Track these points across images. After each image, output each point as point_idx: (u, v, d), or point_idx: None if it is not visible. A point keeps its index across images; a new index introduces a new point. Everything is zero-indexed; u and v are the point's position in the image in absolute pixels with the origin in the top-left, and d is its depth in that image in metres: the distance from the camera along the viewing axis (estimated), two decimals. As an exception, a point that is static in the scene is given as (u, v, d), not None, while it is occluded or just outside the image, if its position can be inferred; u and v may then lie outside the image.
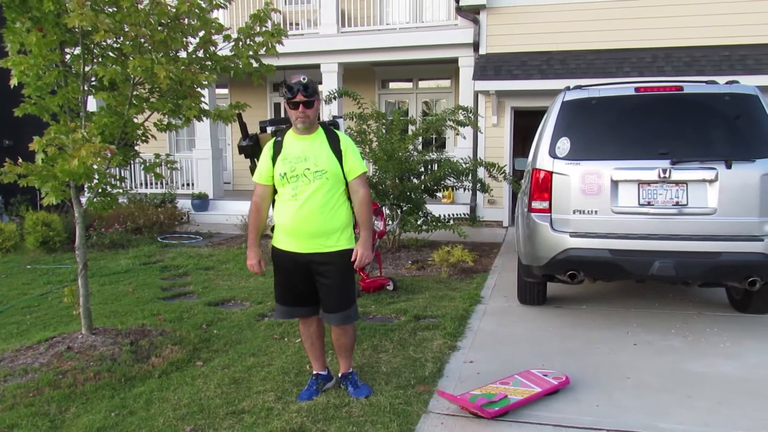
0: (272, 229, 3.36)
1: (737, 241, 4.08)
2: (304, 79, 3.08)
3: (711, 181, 4.12)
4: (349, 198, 3.25)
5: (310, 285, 3.27)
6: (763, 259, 4.04)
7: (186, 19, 4.17)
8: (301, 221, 3.13)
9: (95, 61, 4.20)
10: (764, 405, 3.17)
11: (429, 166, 8.13)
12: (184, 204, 11.40)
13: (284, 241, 3.26)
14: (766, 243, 4.04)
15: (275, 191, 3.26)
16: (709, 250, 4.09)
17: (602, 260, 4.26)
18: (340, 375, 3.49)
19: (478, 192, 9.44)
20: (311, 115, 3.14)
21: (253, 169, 3.83)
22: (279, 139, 3.25)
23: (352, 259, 3.20)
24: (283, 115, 13.65)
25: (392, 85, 13.20)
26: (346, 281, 3.26)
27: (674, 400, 3.25)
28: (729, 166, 4.09)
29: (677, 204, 4.17)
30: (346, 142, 3.23)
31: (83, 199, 4.34)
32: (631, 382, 3.51)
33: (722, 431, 2.89)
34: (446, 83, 12.61)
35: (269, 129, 3.28)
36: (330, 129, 3.29)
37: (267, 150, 3.27)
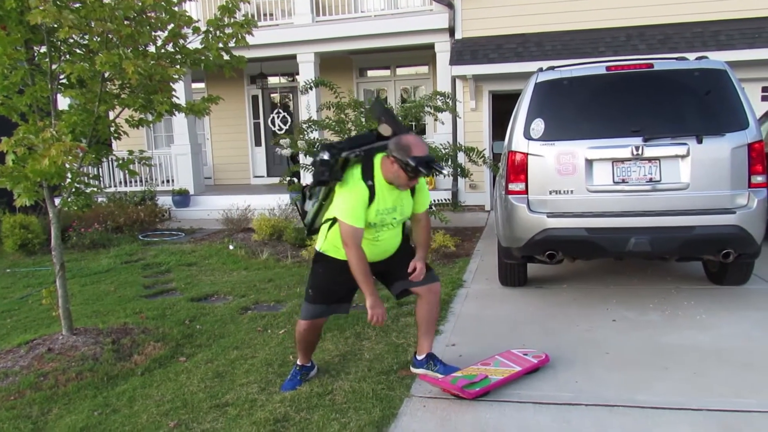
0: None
1: (710, 214, 4.14)
2: (441, 167, 3.07)
3: (683, 157, 4.17)
4: None
5: (355, 286, 3.22)
6: (735, 231, 4.11)
7: (153, 13, 4.12)
8: (379, 256, 3.22)
9: (62, 58, 4.14)
10: (737, 373, 3.24)
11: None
12: (164, 201, 11.30)
13: None
14: (738, 215, 4.11)
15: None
16: (683, 224, 4.15)
17: (579, 239, 4.31)
18: (422, 357, 3.40)
19: (459, 177, 9.46)
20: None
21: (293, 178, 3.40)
22: (371, 183, 3.02)
23: (410, 270, 3.21)
24: (261, 105, 13.55)
25: (370, 73, 13.14)
26: (413, 248, 3.34)
27: (651, 373, 3.31)
28: (700, 141, 4.14)
29: (651, 180, 4.22)
30: (421, 182, 3.22)
31: (57, 200, 4.29)
32: (610, 357, 3.57)
33: (697, 400, 2.95)
34: (424, 69, 12.58)
35: (345, 154, 3.05)
36: None
37: (362, 195, 3.00)
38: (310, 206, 3.32)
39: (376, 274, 3.28)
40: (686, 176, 4.17)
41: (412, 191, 3.20)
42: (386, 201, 3.07)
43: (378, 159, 3.08)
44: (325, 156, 2.99)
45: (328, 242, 3.21)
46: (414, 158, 2.90)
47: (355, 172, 3.04)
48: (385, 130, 3.12)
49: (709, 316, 4.19)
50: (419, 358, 3.43)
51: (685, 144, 4.15)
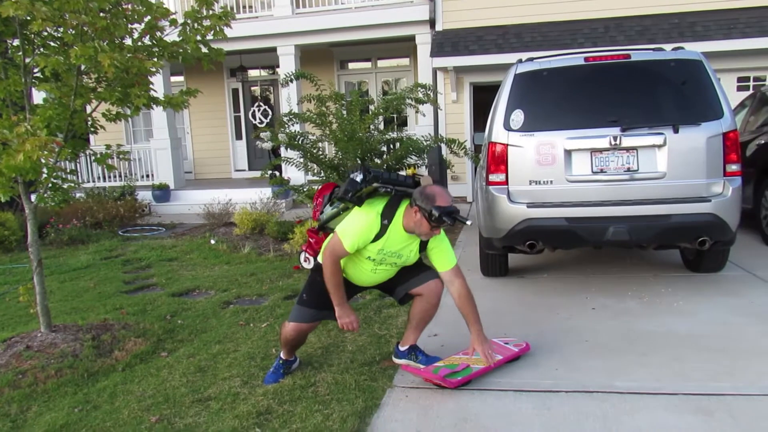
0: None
1: (686, 203, 4.21)
2: (469, 221, 3.06)
3: (660, 146, 4.22)
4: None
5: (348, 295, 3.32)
6: (711, 219, 4.18)
7: (129, 5, 4.06)
8: (371, 283, 3.31)
9: (36, 51, 4.07)
10: (713, 358, 3.31)
11: (390, 145, 8.13)
12: (144, 196, 11.19)
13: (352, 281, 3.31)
14: (714, 203, 4.18)
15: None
16: (660, 213, 4.22)
17: (559, 229, 4.36)
18: (405, 348, 3.43)
19: (440, 169, 9.49)
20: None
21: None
22: (386, 223, 3.03)
23: (478, 355, 3.20)
24: (242, 98, 13.42)
25: (351, 65, 13.11)
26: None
27: (630, 359, 3.36)
28: (676, 131, 4.20)
29: (629, 170, 4.28)
30: (435, 240, 3.16)
31: (33, 196, 4.23)
32: (589, 344, 3.62)
33: (673, 384, 3.01)
34: (405, 61, 12.58)
35: (376, 184, 3.03)
36: None
37: (370, 229, 3.01)
38: (329, 209, 3.33)
39: (348, 297, 3.33)
40: (663, 165, 4.22)
41: (423, 248, 3.20)
42: (394, 245, 3.09)
43: (404, 205, 3.08)
44: (358, 178, 2.99)
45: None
46: (438, 208, 2.90)
47: (378, 206, 3.06)
48: (426, 180, 3.11)
49: (686, 303, 4.27)
50: (402, 348, 3.45)
51: (661, 134, 4.20)
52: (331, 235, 3.19)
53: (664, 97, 4.43)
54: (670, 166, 4.21)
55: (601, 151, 4.30)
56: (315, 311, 3.27)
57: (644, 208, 4.23)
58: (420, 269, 3.31)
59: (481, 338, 3.21)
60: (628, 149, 4.27)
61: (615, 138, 4.24)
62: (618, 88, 4.46)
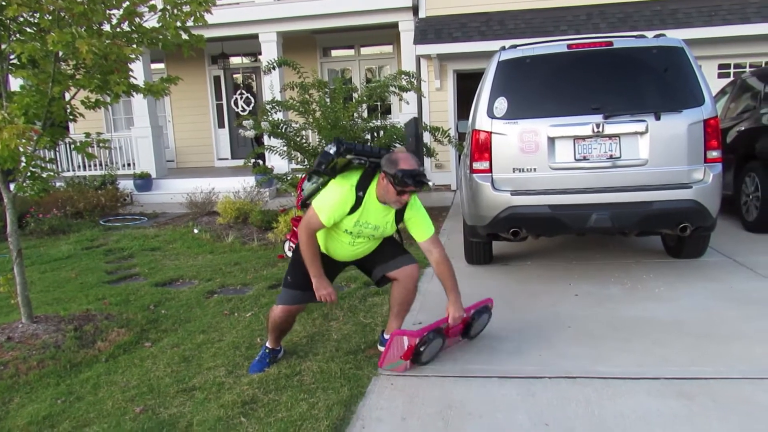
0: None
1: (668, 189, 4.25)
2: (432, 183, 3.02)
3: (642, 134, 4.25)
4: None
5: (336, 274, 3.48)
6: (692, 205, 4.23)
7: (107, -10, 3.98)
8: (355, 257, 3.33)
9: (12, 37, 3.98)
10: (694, 343, 3.36)
11: (375, 133, 8.10)
12: (126, 185, 11.04)
13: (332, 257, 3.32)
14: (695, 190, 4.23)
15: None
16: (642, 200, 4.25)
17: (542, 216, 4.38)
18: (390, 335, 3.33)
19: (424, 157, 9.48)
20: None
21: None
22: (361, 194, 3.05)
23: (450, 322, 3.24)
24: (224, 86, 13.28)
25: (334, 53, 13.01)
26: (392, 237, 3.40)
27: (612, 345, 3.41)
28: (658, 118, 4.23)
29: (611, 157, 4.30)
30: (411, 211, 3.18)
31: (12, 185, 4.16)
32: (572, 331, 3.66)
33: (655, 369, 3.05)
34: (388, 49, 12.51)
35: (349, 156, 3.03)
36: None
37: (345, 201, 3.03)
38: (308, 185, 3.35)
39: (357, 263, 3.42)
40: (645, 152, 4.26)
41: (400, 220, 3.20)
42: (370, 217, 3.11)
43: (378, 176, 3.08)
44: (331, 150, 2.99)
45: None
46: (401, 171, 2.90)
47: (352, 178, 3.08)
48: (401, 149, 3.13)
49: (667, 289, 4.32)
50: (386, 336, 3.46)
51: (643, 121, 4.23)
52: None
53: (646, 85, 4.45)
54: (652, 153, 4.24)
55: (583, 138, 4.32)
56: (300, 292, 3.28)
57: (626, 195, 4.26)
58: (397, 251, 3.34)
59: (458, 305, 3.23)
60: (610, 136, 4.29)
61: (597, 125, 4.26)
62: (601, 75, 4.47)
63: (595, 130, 4.26)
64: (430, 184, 3.04)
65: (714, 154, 4.27)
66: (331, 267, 3.37)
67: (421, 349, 3.14)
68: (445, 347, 3.36)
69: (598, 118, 4.26)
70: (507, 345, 3.49)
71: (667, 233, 4.73)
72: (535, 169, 4.39)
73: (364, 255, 3.34)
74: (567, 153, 4.34)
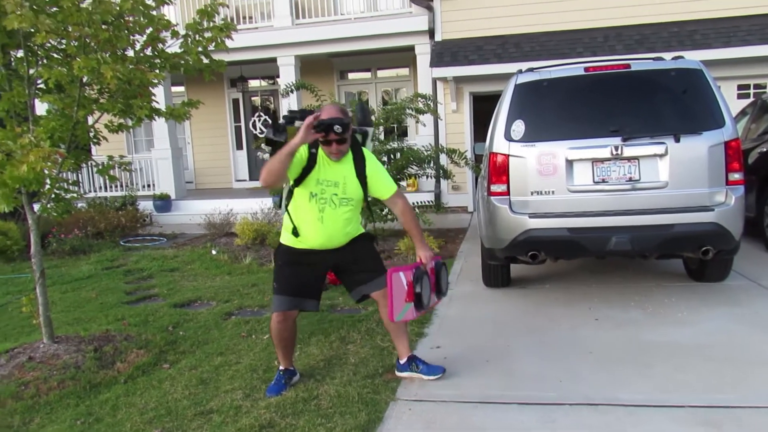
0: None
1: (689, 212, 4.20)
2: (338, 128, 3.01)
3: (661, 156, 4.23)
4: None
5: (322, 280, 3.46)
6: (714, 228, 4.18)
7: (131, 17, 4.08)
8: (326, 241, 3.26)
9: (40, 63, 4.09)
10: (718, 369, 3.29)
11: (391, 156, 8.14)
12: (146, 205, 11.19)
13: (306, 245, 3.28)
14: (717, 213, 4.17)
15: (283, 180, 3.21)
16: (662, 222, 4.21)
17: (561, 239, 4.35)
18: (406, 359, 3.43)
19: (441, 179, 9.50)
20: (345, 150, 3.16)
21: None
22: (314, 151, 3.16)
23: (423, 261, 3.30)
24: (242, 108, 13.46)
25: (351, 75, 13.15)
26: (372, 250, 3.45)
27: (634, 370, 3.35)
28: (677, 140, 4.20)
29: (630, 180, 4.27)
30: (371, 166, 3.26)
31: (36, 206, 4.23)
32: (593, 356, 3.60)
33: (679, 396, 2.99)
34: (405, 71, 12.62)
35: (297, 123, 3.20)
36: (359, 150, 3.27)
37: (301, 155, 3.12)
38: (286, 190, 3.40)
39: (336, 270, 3.42)
40: (665, 175, 4.22)
41: (362, 175, 3.23)
42: (327, 173, 3.18)
43: None
44: (281, 121, 3.24)
45: (283, 229, 3.35)
46: (319, 120, 2.99)
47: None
48: (331, 103, 3.21)
49: (690, 313, 4.25)
50: (402, 362, 3.46)
51: (663, 143, 4.21)
52: (284, 216, 3.33)
53: (664, 107, 4.43)
54: (672, 175, 4.20)
55: (602, 161, 4.30)
56: (288, 298, 3.32)
57: (646, 217, 4.22)
58: (376, 271, 3.33)
59: (425, 247, 3.35)
60: (629, 159, 4.27)
61: (616, 148, 4.24)
62: (618, 97, 4.47)
63: (614, 152, 4.24)
64: (336, 128, 3.00)
65: (736, 176, 4.22)
66: (309, 271, 3.32)
67: (418, 290, 3.19)
68: (432, 301, 3.41)
69: (616, 140, 4.24)
70: (526, 369, 3.44)
71: (689, 256, 4.66)
72: (553, 192, 4.37)
73: (339, 243, 3.28)
74: (585, 175, 4.33)
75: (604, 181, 4.31)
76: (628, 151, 4.24)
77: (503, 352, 3.75)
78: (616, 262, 5.78)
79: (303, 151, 3.13)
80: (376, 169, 3.27)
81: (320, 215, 3.19)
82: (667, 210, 4.21)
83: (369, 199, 3.36)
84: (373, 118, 8.17)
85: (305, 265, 3.30)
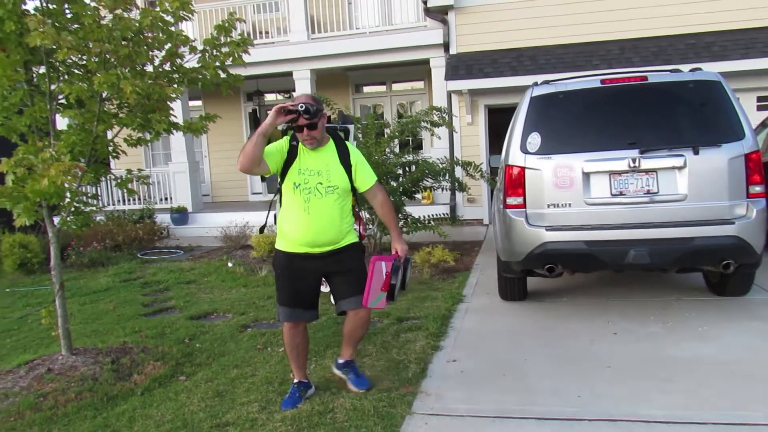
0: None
1: (709, 225, 4.14)
2: (301, 106, 3.05)
3: (680, 168, 4.18)
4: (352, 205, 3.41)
5: (316, 288, 3.41)
6: (735, 241, 4.11)
7: (150, 33, 4.15)
8: (315, 234, 3.23)
9: (61, 78, 4.16)
10: (741, 385, 3.23)
11: (406, 168, 8.15)
12: (163, 218, 11.29)
13: (295, 246, 3.29)
14: (737, 226, 4.11)
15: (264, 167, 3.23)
16: (682, 236, 4.15)
17: (578, 252, 4.31)
18: (342, 361, 3.58)
19: (456, 191, 9.48)
20: (317, 136, 3.19)
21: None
22: (294, 143, 3.25)
23: (399, 254, 3.34)
24: (258, 122, 13.58)
25: (366, 89, 13.22)
26: (361, 266, 3.41)
27: (654, 386, 3.29)
28: (696, 153, 4.16)
29: (648, 192, 4.23)
30: (356, 157, 3.33)
31: (56, 219, 4.29)
32: (612, 370, 3.55)
33: (701, 413, 2.93)
34: (420, 85, 12.66)
35: (280, 127, 3.29)
36: (341, 140, 3.36)
37: (280, 144, 3.25)
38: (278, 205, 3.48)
39: (326, 278, 3.39)
40: (684, 187, 4.18)
41: (347, 164, 3.27)
42: (308, 162, 3.23)
43: None
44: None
45: (277, 234, 3.38)
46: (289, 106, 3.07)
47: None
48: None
49: (711, 328, 4.18)
50: (340, 361, 3.62)
51: (681, 155, 4.17)
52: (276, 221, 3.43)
53: (683, 119, 4.40)
54: (692, 188, 4.16)
55: (620, 173, 4.27)
56: (288, 309, 3.35)
57: (665, 230, 4.17)
58: (357, 290, 3.31)
59: (401, 239, 3.41)
60: (647, 171, 4.24)
61: (634, 160, 4.21)
62: (636, 110, 4.44)
63: (632, 165, 4.20)
64: (300, 108, 3.04)
65: (757, 189, 4.17)
66: (303, 280, 3.32)
67: (393, 281, 3.23)
68: (405, 290, 3.46)
69: (634, 152, 4.21)
70: (544, 384, 3.40)
71: (710, 270, 4.60)
72: (570, 205, 4.34)
73: (327, 239, 3.24)
74: (603, 188, 4.29)
75: (621, 193, 4.27)
76: (646, 164, 4.21)
77: (520, 366, 3.71)
78: (635, 276, 5.71)
79: (284, 144, 3.25)
80: (360, 160, 3.34)
81: (306, 205, 3.20)
82: (686, 223, 4.16)
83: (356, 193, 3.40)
84: (387, 131, 8.23)
85: (299, 271, 3.30)
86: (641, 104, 4.41)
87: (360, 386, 3.48)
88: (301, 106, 3.04)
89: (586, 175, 4.31)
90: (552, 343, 4.11)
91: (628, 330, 4.25)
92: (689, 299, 4.91)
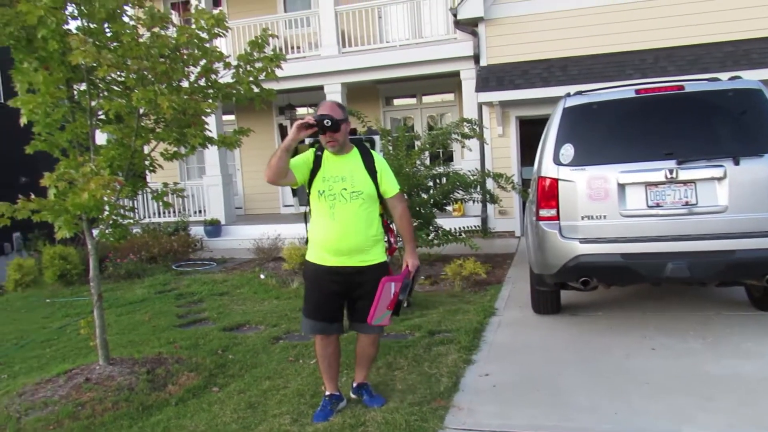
0: (306, 241, 3.47)
1: (751, 237, 4.02)
2: (327, 121, 3.11)
3: (720, 179, 4.08)
4: (380, 214, 3.40)
5: (341, 302, 3.39)
6: (778, 255, 3.98)
7: (186, 50, 4.25)
8: (340, 240, 3.24)
9: (101, 95, 4.29)
10: (788, 404, 3.11)
11: (437, 180, 8.12)
12: (197, 231, 11.47)
13: (323, 257, 3.31)
14: (781, 238, 3.98)
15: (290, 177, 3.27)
16: (722, 248, 4.04)
17: (614, 265, 4.23)
18: (355, 385, 3.59)
19: (488, 203, 9.42)
20: (340, 138, 3.23)
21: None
22: (319, 153, 3.32)
23: (410, 269, 3.35)
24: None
25: (396, 101, 13.27)
26: None
27: (695, 403, 3.20)
28: (737, 163, 4.05)
29: (687, 204, 4.14)
30: (381, 163, 3.37)
31: (95, 231, 4.39)
32: (650, 387, 3.46)
33: (745, 433, 2.84)
34: (450, 97, 12.65)
35: (307, 141, 3.35)
36: (365, 148, 3.40)
37: (305, 155, 3.32)
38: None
39: (348, 296, 3.34)
40: (724, 199, 4.07)
41: (372, 170, 3.29)
42: (332, 170, 3.27)
43: None
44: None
45: (308, 245, 3.42)
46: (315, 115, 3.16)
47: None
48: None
49: (754, 344, 4.05)
50: (354, 385, 3.63)
51: (721, 166, 4.07)
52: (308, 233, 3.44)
53: (722, 129, 4.30)
54: (732, 199, 4.05)
55: (656, 184, 4.19)
56: (311, 321, 3.37)
57: (705, 243, 4.06)
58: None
59: (414, 254, 3.42)
60: (685, 182, 4.14)
61: (671, 171, 4.12)
62: (672, 120, 4.35)
63: (669, 176, 4.12)
64: (327, 123, 3.12)
65: (801, 200, 4.03)
66: (328, 294, 3.31)
67: (401, 298, 3.24)
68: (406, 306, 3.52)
69: (671, 163, 4.12)
70: (580, 400, 3.33)
71: (752, 284, 4.46)
72: (604, 217, 4.27)
73: (351, 245, 3.23)
74: (639, 200, 4.21)
75: (658, 205, 4.18)
76: (684, 175, 4.11)
77: (554, 381, 3.64)
78: (673, 289, 5.56)
79: (309, 155, 3.33)
80: (385, 166, 3.38)
81: (331, 211, 3.23)
82: (727, 235, 4.04)
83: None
84: (418, 143, 8.22)
85: (325, 285, 3.31)
86: (678, 114, 4.33)
87: (373, 404, 3.47)
88: (327, 121, 3.11)
89: (621, 187, 4.23)
90: (587, 357, 4.03)
91: (666, 345, 4.15)
92: (730, 314, 4.76)
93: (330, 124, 3.12)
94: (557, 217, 4.40)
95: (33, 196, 3.81)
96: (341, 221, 3.22)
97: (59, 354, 5.24)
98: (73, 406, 3.75)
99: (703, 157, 4.12)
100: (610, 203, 4.25)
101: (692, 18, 9.18)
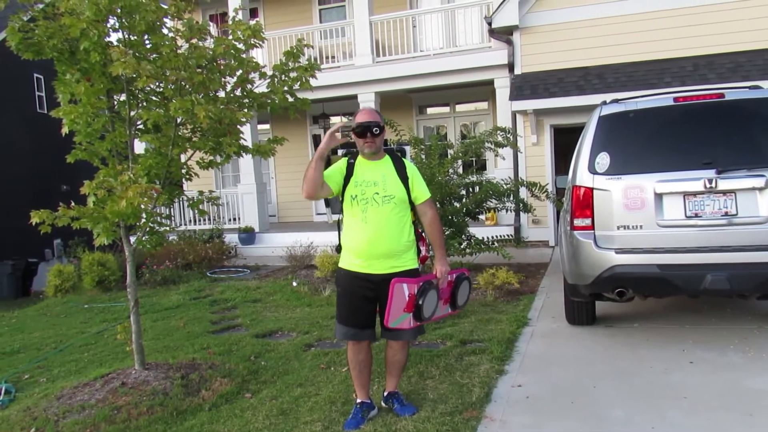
0: (338, 249, 3.49)
1: (795, 250, 3.89)
2: (375, 128, 3.24)
3: (761, 189, 3.96)
4: (413, 222, 3.43)
5: (372, 308, 3.39)
6: (823, 267, 3.84)
7: (223, 60, 4.33)
8: (372, 244, 3.26)
9: (140, 105, 4.40)
10: (835, 422, 2.99)
11: (470, 189, 8.09)
12: (231, 238, 11.65)
13: (355, 263, 3.34)
14: (826, 250, 3.84)
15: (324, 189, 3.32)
16: (763, 260, 3.92)
17: (651, 276, 4.14)
18: (386, 393, 3.59)
19: (521, 212, 9.33)
20: (378, 142, 3.30)
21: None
22: (352, 161, 3.38)
23: (438, 276, 3.37)
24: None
25: (430, 110, 13.28)
26: None
27: (735, 419, 3.10)
28: (779, 173, 3.94)
29: (726, 214, 4.03)
30: (412, 170, 3.42)
31: (133, 238, 4.50)
32: (688, 401, 3.37)
33: (789, 452, 2.74)
34: (483, 105, 12.60)
35: (340, 151, 3.40)
36: (396, 156, 3.46)
37: (340, 164, 3.38)
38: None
39: (378, 302, 3.33)
40: (765, 209, 3.95)
41: (403, 176, 3.33)
42: (365, 175, 3.32)
43: None
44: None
45: (342, 251, 3.45)
46: (356, 123, 3.24)
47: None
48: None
49: (798, 359, 3.91)
50: (384, 394, 3.61)
51: (762, 176, 3.95)
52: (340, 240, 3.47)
53: (763, 137, 4.17)
54: (774, 210, 3.92)
55: (695, 194, 4.09)
56: (344, 327, 3.39)
57: (746, 255, 3.95)
58: None
59: (443, 261, 3.43)
60: (725, 192, 4.04)
61: (710, 181, 4.02)
62: (712, 128, 4.25)
63: (708, 185, 4.02)
64: (375, 131, 3.22)
65: None
66: (360, 300, 3.33)
67: (420, 302, 3.18)
68: (440, 313, 3.44)
69: (710, 173, 4.02)
70: (616, 414, 3.26)
71: (796, 297, 4.30)
72: (641, 227, 4.18)
73: (383, 250, 3.25)
74: (676, 210, 4.12)
75: (696, 215, 4.08)
76: (723, 184, 4.01)
77: (589, 394, 3.57)
78: (712, 302, 5.41)
79: (342, 164, 3.38)
80: (416, 173, 3.42)
81: (363, 216, 3.26)
82: (768, 247, 3.92)
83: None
84: (451, 152, 8.21)
85: (357, 291, 3.32)
86: (717, 123, 4.23)
87: (404, 413, 3.45)
88: (376, 129, 3.24)
89: (659, 196, 4.15)
90: (622, 370, 3.94)
91: (705, 359, 4.03)
92: (773, 328, 4.61)
93: (378, 132, 3.24)
94: (592, 227, 4.33)
95: (73, 204, 3.93)
96: (374, 225, 3.25)
97: (96, 358, 5.36)
98: (109, 410, 3.83)
99: (744, 166, 4.01)
100: (646, 213, 4.17)
101: (732, 25, 8.97)
